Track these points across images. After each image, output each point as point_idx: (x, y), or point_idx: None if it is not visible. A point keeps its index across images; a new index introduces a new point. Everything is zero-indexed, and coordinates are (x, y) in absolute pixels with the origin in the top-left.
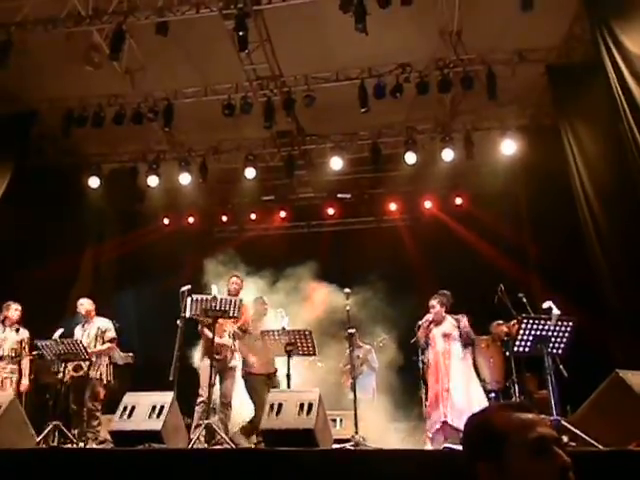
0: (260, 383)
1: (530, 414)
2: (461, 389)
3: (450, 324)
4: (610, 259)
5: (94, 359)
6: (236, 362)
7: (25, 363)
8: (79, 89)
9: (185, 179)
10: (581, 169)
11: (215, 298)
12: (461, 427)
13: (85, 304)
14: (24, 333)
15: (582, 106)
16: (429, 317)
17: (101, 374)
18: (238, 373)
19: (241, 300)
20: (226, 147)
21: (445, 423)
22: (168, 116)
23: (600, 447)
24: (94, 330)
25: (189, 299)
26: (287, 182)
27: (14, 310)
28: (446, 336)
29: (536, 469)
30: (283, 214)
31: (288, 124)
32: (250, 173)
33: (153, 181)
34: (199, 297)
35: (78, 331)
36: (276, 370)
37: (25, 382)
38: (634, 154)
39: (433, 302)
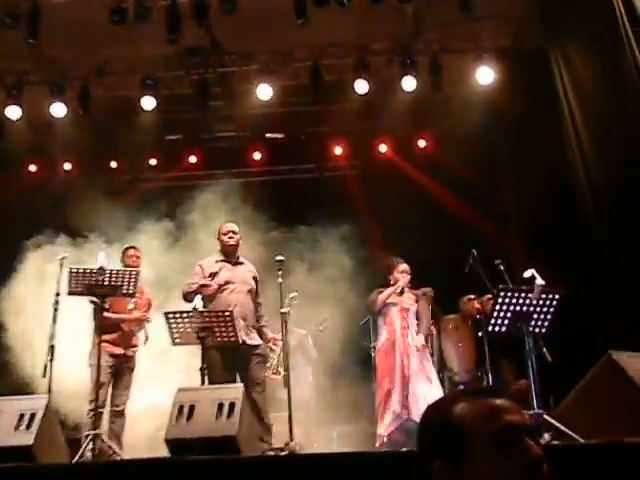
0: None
1: (498, 400)
2: (423, 378)
3: (409, 298)
4: (604, 217)
5: None
6: (135, 360)
7: None
8: None
9: (59, 110)
10: (572, 102)
11: (102, 270)
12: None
13: None
14: None
15: (575, 23)
16: (405, 281)
17: None
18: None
19: (138, 272)
20: (115, 68)
21: (408, 420)
22: (34, 23)
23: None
24: None
25: (67, 271)
26: (199, 116)
27: None
28: (404, 311)
29: (501, 466)
30: (194, 159)
31: (200, 38)
32: (148, 103)
33: (14, 113)
34: (80, 268)
35: None
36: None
37: None
38: (634, 79)
39: (406, 266)
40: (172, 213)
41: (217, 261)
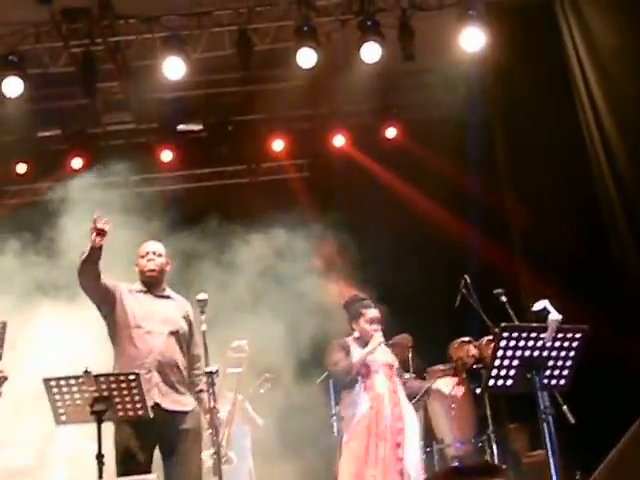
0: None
1: None
2: (417, 461)
3: (386, 350)
4: (635, 220)
5: None
6: None
7: None
8: None
9: None
10: (589, 73)
11: None
12: None
13: None
14: None
15: None
16: (380, 335)
17: None
18: None
19: (5, 324)
20: None
21: None
22: None
23: None
24: None
25: None
26: (85, 104)
27: None
28: (390, 367)
29: None
30: (79, 162)
31: None
32: (13, 87)
33: None
34: None
35: None
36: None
37: None
38: None
39: (377, 313)
40: (47, 237)
41: (136, 291)
